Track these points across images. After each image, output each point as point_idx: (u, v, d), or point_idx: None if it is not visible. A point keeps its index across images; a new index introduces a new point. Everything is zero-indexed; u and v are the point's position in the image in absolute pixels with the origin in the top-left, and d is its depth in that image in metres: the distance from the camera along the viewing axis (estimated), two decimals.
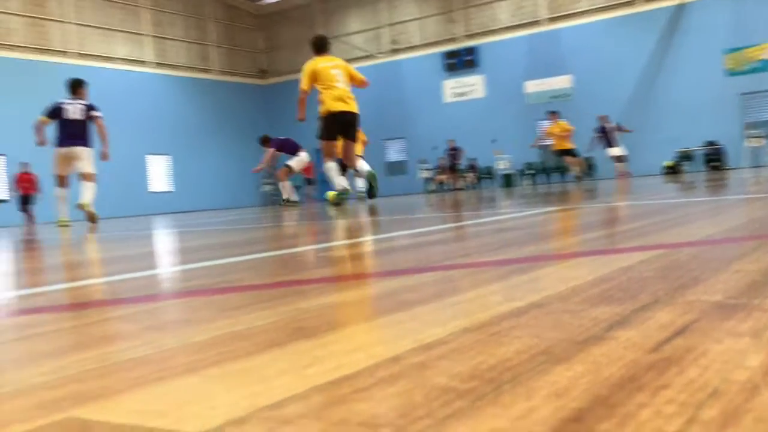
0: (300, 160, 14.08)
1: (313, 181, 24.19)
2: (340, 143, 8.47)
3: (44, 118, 8.89)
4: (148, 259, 3.13)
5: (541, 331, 0.91)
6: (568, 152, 17.72)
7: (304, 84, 8.30)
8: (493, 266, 1.72)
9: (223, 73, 29.16)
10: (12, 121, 21.00)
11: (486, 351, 0.83)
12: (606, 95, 23.04)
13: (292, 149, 14.16)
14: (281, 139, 14.55)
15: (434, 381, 0.71)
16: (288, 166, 14.07)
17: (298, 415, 0.64)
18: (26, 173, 18.72)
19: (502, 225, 3.52)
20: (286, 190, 14.06)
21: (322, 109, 8.28)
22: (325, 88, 8.18)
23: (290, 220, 6.77)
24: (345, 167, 9.27)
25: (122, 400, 0.73)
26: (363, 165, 8.99)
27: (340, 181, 8.50)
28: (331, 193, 8.73)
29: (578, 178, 17.72)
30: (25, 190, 18.81)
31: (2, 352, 1.10)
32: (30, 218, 18.67)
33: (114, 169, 23.51)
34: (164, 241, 4.95)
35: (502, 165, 24.25)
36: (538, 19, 25.07)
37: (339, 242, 3.24)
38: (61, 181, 9.01)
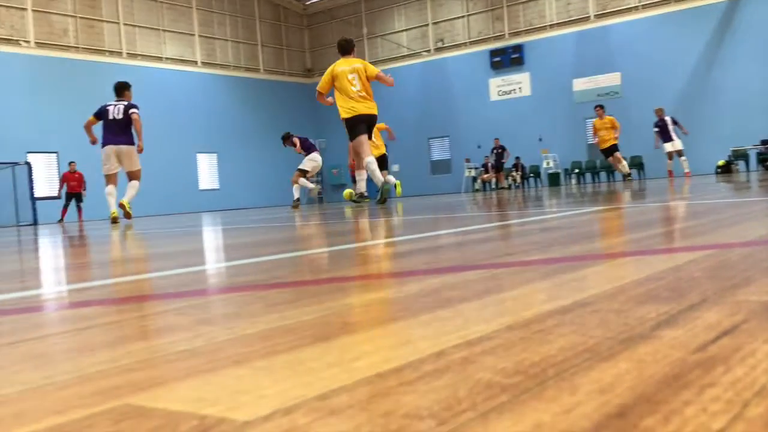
0: (312, 160, 14.11)
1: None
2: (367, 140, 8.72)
3: (92, 119, 9.46)
4: (197, 256, 3.20)
5: (586, 329, 0.91)
6: (613, 149, 17.10)
7: (321, 84, 8.69)
8: (539, 265, 1.71)
9: (270, 72, 29.48)
10: (66, 120, 21.60)
11: (530, 348, 0.83)
12: (656, 93, 22.60)
13: (307, 149, 14.22)
14: (301, 138, 14.73)
15: (478, 376, 0.72)
16: (301, 170, 14.19)
17: (345, 406, 0.65)
18: (73, 172, 19.25)
19: (548, 224, 3.50)
20: (297, 191, 14.08)
21: (341, 113, 8.68)
22: (340, 93, 8.55)
23: (335, 218, 6.82)
24: (383, 166, 9.43)
25: (175, 389, 0.76)
26: (378, 174, 9.09)
27: (361, 186, 8.90)
28: (347, 192, 8.96)
29: (627, 177, 17.25)
30: (72, 188, 19.35)
31: (60, 343, 1.14)
32: (78, 215, 19.22)
33: (165, 167, 24.06)
34: (212, 237, 5.04)
35: (549, 164, 24.00)
36: (587, 15, 24.73)
37: (383, 240, 3.26)
38: (109, 179, 9.47)
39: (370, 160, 8.62)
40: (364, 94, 8.64)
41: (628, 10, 23.82)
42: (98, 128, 9.57)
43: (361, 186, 8.96)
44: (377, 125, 12.18)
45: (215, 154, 26.72)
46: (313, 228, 5.07)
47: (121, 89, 9.55)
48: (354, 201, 9.07)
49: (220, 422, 0.63)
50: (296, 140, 14.75)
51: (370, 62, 29.13)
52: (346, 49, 8.94)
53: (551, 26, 25.32)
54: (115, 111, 9.24)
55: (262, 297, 1.51)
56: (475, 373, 0.73)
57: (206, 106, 26.28)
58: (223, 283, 1.92)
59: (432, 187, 27.22)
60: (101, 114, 9.33)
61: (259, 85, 28.61)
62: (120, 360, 0.93)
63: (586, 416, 0.57)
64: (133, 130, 9.30)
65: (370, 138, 8.79)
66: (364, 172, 8.84)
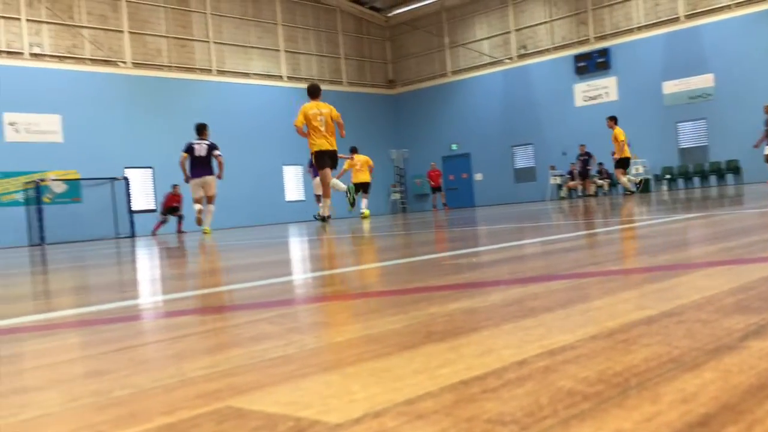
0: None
1: (440, 188, 24.51)
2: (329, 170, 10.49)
3: (184, 155, 11.35)
4: (284, 266, 3.30)
5: (672, 339, 0.91)
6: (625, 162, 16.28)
7: (297, 120, 10.25)
8: (625, 275, 1.70)
9: (353, 84, 29.91)
10: (160, 136, 22.53)
11: (613, 357, 0.84)
12: (751, 94, 21.62)
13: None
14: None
15: (560, 384, 0.74)
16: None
17: (430, 411, 0.68)
18: (176, 194, 20.20)
19: (636, 233, 3.42)
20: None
21: (310, 148, 10.46)
22: (311, 130, 10.20)
23: (419, 228, 6.86)
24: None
25: (272, 393, 0.81)
26: (338, 182, 10.69)
27: (325, 210, 10.80)
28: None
29: (630, 192, 16.26)
30: (170, 203, 20.41)
31: (163, 349, 1.22)
32: (179, 225, 20.10)
33: (253, 180, 24.74)
34: (300, 249, 5.16)
35: (638, 170, 23.32)
36: (676, 16, 23.95)
37: (467, 250, 3.27)
38: (197, 201, 11.48)
39: (334, 182, 10.42)
40: (325, 133, 10.23)
41: (720, 9, 22.93)
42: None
43: (326, 210, 10.76)
44: (367, 160, 16.55)
45: (300, 166, 27.28)
46: (396, 239, 5.12)
47: (202, 129, 11.52)
48: (318, 219, 10.76)
49: (314, 424, 0.67)
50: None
51: (452, 71, 29.19)
52: (314, 93, 10.58)
53: (639, 28, 24.65)
54: (201, 150, 11.28)
55: (348, 306, 1.56)
56: (557, 381, 0.75)
57: (292, 119, 26.92)
58: (310, 294, 1.98)
59: (516, 196, 26.92)
60: (189, 150, 11.29)
61: (342, 97, 29.07)
62: (219, 365, 0.99)
63: (667, 425, 0.58)
64: (214, 164, 11.38)
65: (334, 167, 10.49)
66: (329, 200, 10.72)
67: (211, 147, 11.34)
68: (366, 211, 14.64)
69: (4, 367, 1.19)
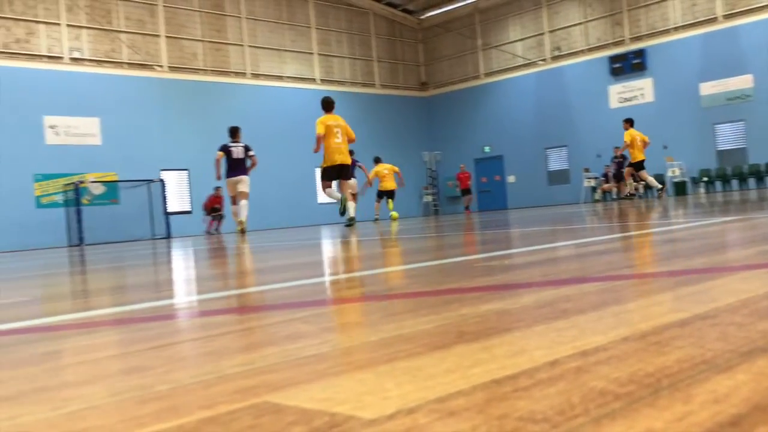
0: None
1: (468, 191, 24.71)
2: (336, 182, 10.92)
3: (220, 154, 12.14)
4: (318, 267, 3.33)
5: (705, 341, 0.91)
6: (640, 165, 16.28)
7: (319, 130, 10.48)
8: (659, 277, 1.69)
9: (385, 86, 29.96)
10: (195, 138, 22.82)
11: (645, 359, 0.84)
12: None
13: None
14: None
15: (591, 384, 0.75)
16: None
17: (462, 408, 0.70)
18: (218, 196, 20.61)
19: (672, 236, 3.39)
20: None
21: (326, 161, 10.69)
22: (329, 142, 10.47)
23: (450, 230, 6.85)
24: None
25: (307, 389, 0.83)
26: (333, 191, 10.89)
27: (334, 194, 10.92)
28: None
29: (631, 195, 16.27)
30: (212, 203, 20.90)
31: (200, 347, 1.25)
32: (217, 227, 20.45)
33: (286, 182, 24.93)
34: (332, 250, 5.20)
35: (674, 172, 22.98)
36: (714, 16, 23.56)
37: (499, 252, 3.27)
38: (233, 200, 12.36)
39: (330, 191, 10.72)
40: (342, 146, 10.56)
41: (760, 9, 22.50)
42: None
43: (334, 194, 10.88)
44: (392, 168, 17.63)
45: None
46: (428, 241, 5.12)
47: (235, 131, 12.35)
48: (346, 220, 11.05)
49: (349, 419, 0.69)
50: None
51: (485, 73, 29.09)
52: (329, 107, 10.82)
53: (675, 29, 24.31)
54: (237, 152, 12.16)
55: (381, 307, 1.57)
56: (589, 381, 0.76)
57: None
58: (343, 294, 2.01)
59: (549, 198, 26.70)
60: (227, 152, 12.09)
61: (375, 99, 29.15)
62: (255, 363, 1.02)
63: (698, 424, 0.59)
64: (248, 163, 12.23)
65: (347, 178, 10.87)
66: (353, 203, 11.12)
67: (247, 148, 12.26)
68: (395, 214, 16.22)
69: (48, 362, 1.23)
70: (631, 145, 16.28)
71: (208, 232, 20.38)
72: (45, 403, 0.88)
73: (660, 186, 16.42)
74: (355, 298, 1.83)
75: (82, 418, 0.79)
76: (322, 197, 27.25)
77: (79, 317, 1.91)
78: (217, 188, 20.62)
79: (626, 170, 16.76)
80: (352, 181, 12.39)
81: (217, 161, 12.07)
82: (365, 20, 29.66)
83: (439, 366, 0.90)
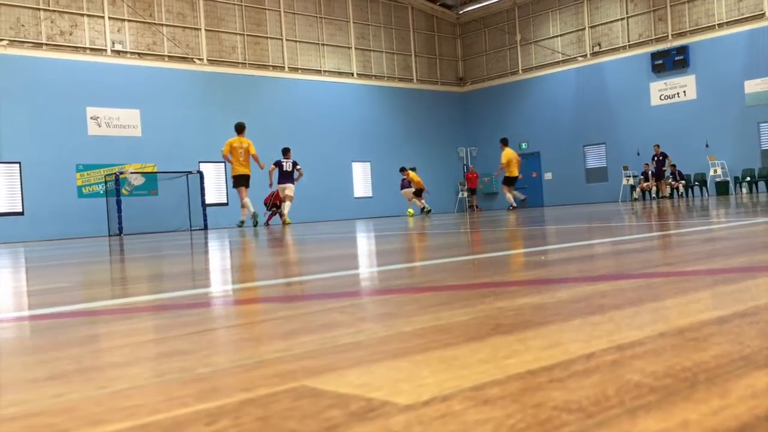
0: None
1: (475, 191, 26.90)
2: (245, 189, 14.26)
3: (273, 167, 15.35)
4: (355, 259, 3.35)
5: (744, 338, 0.90)
6: (514, 180, 18.27)
7: (224, 150, 14.21)
8: (698, 275, 1.67)
9: (423, 81, 29.90)
10: (233, 131, 23.02)
11: (682, 354, 0.84)
12: None
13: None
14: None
15: (627, 377, 0.75)
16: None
17: (497, 397, 0.71)
18: (277, 195, 20.77)
19: (712, 235, 3.34)
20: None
21: (232, 171, 14.32)
22: (234, 158, 14.07)
23: (485, 226, 6.83)
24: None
25: (344, 375, 0.85)
26: (248, 203, 14.13)
27: (246, 211, 14.29)
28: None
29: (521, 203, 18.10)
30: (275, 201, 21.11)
31: (240, 333, 1.28)
32: (268, 219, 20.66)
33: (323, 176, 25.04)
34: (368, 243, 5.22)
35: (716, 171, 22.54)
36: (760, 12, 23.02)
37: (536, 248, 3.26)
38: (283, 199, 15.81)
39: (245, 202, 14.09)
40: (245, 162, 13.98)
41: None
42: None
43: (244, 213, 14.35)
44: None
45: (368, 163, 27.47)
46: (465, 236, 5.12)
47: (286, 151, 15.77)
48: (241, 225, 14.65)
49: (385, 404, 0.70)
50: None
51: (523, 69, 28.85)
52: (240, 130, 14.30)
53: (720, 25, 23.81)
54: (287, 165, 15.58)
55: (416, 299, 1.58)
56: (625, 374, 0.76)
57: (361, 116, 27.08)
58: (380, 285, 2.02)
59: (587, 196, 26.40)
60: (278, 165, 15.44)
61: (413, 94, 29.10)
62: (293, 349, 1.04)
63: (734, 417, 0.59)
64: (295, 174, 15.63)
65: (247, 186, 14.05)
66: (245, 208, 14.28)
67: (294, 164, 15.73)
68: (426, 207, 19.71)
69: (93, 344, 1.26)
70: (507, 164, 18.22)
71: (267, 224, 20.73)
72: (90, 383, 0.91)
73: (523, 197, 18.84)
74: (391, 290, 1.84)
75: (126, 397, 0.82)
76: (358, 191, 27.37)
77: (122, 302, 1.96)
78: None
79: (504, 188, 18.85)
80: (291, 186, 15.63)
81: (271, 172, 15.28)
82: (404, 14, 29.61)
83: (473, 356, 0.91)
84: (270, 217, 21.57)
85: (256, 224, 14.12)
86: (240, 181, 13.87)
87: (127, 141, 21.21)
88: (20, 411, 0.78)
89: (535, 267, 2.29)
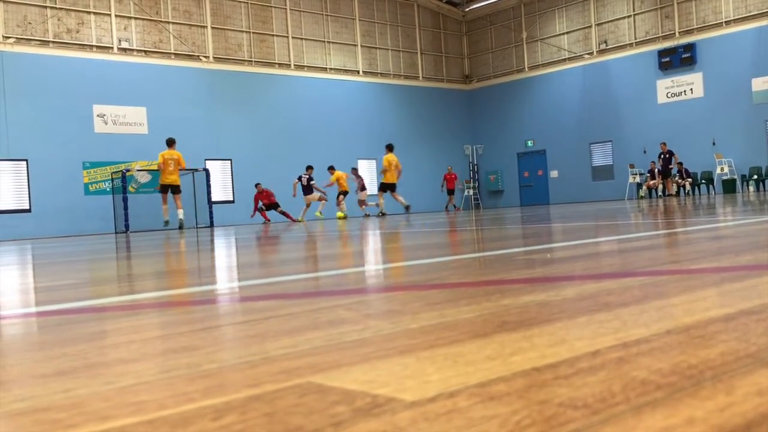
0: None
1: (454, 191, 26.23)
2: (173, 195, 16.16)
3: (296, 181, 19.04)
4: (362, 257, 3.36)
5: (750, 336, 0.90)
6: (393, 187, 18.18)
7: (159, 161, 15.75)
8: (705, 273, 1.66)
9: (429, 79, 29.86)
10: (239, 129, 23.09)
11: (688, 351, 0.84)
12: None
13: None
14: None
15: (633, 374, 0.75)
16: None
17: (503, 393, 0.71)
18: (261, 192, 20.60)
19: (718, 233, 3.33)
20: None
21: (161, 180, 16.03)
22: (165, 168, 15.66)
23: (494, 224, 6.82)
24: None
25: (350, 371, 0.85)
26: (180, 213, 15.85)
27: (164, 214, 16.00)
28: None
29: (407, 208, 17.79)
30: (269, 201, 20.81)
31: (246, 330, 1.28)
32: (286, 216, 20.56)
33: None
34: (374, 241, 5.23)
35: (722, 169, 22.47)
36: None
37: (541, 246, 3.25)
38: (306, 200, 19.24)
39: (165, 208, 15.89)
40: (174, 171, 15.57)
41: None
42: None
43: (164, 214, 16.00)
44: (346, 174, 20.93)
45: (374, 161, 27.47)
46: (469, 234, 5.12)
47: (309, 168, 19.37)
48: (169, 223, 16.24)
49: (390, 401, 0.71)
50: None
51: (529, 67, 28.79)
52: (171, 144, 15.80)
53: (727, 23, 23.72)
54: (304, 180, 19.20)
55: (422, 296, 1.59)
56: (630, 371, 0.76)
57: (367, 113, 27.08)
58: (386, 283, 2.02)
59: (593, 194, 26.34)
60: (299, 179, 19.12)
61: (418, 92, 29.07)
62: (300, 345, 1.04)
63: (740, 414, 0.59)
64: (314, 191, 18.90)
65: (177, 192, 15.80)
66: (166, 207, 15.90)
67: (309, 179, 19.28)
68: (405, 204, 18.25)
69: (100, 341, 1.27)
70: (387, 168, 18.13)
71: (264, 222, 20.76)
72: (98, 378, 0.91)
73: (406, 204, 18.42)
74: (396, 287, 1.84)
75: (133, 393, 0.82)
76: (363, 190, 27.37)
77: (128, 299, 1.96)
78: (257, 185, 21.17)
79: (380, 193, 19.03)
80: (307, 197, 18.92)
81: (294, 184, 19.37)
82: (409, 12, 29.58)
83: (479, 353, 0.91)
84: (288, 216, 21.61)
85: (181, 227, 15.84)
86: (166, 188, 15.78)
87: (134, 138, 21.24)
88: (28, 406, 0.79)
89: (539, 265, 2.29)
